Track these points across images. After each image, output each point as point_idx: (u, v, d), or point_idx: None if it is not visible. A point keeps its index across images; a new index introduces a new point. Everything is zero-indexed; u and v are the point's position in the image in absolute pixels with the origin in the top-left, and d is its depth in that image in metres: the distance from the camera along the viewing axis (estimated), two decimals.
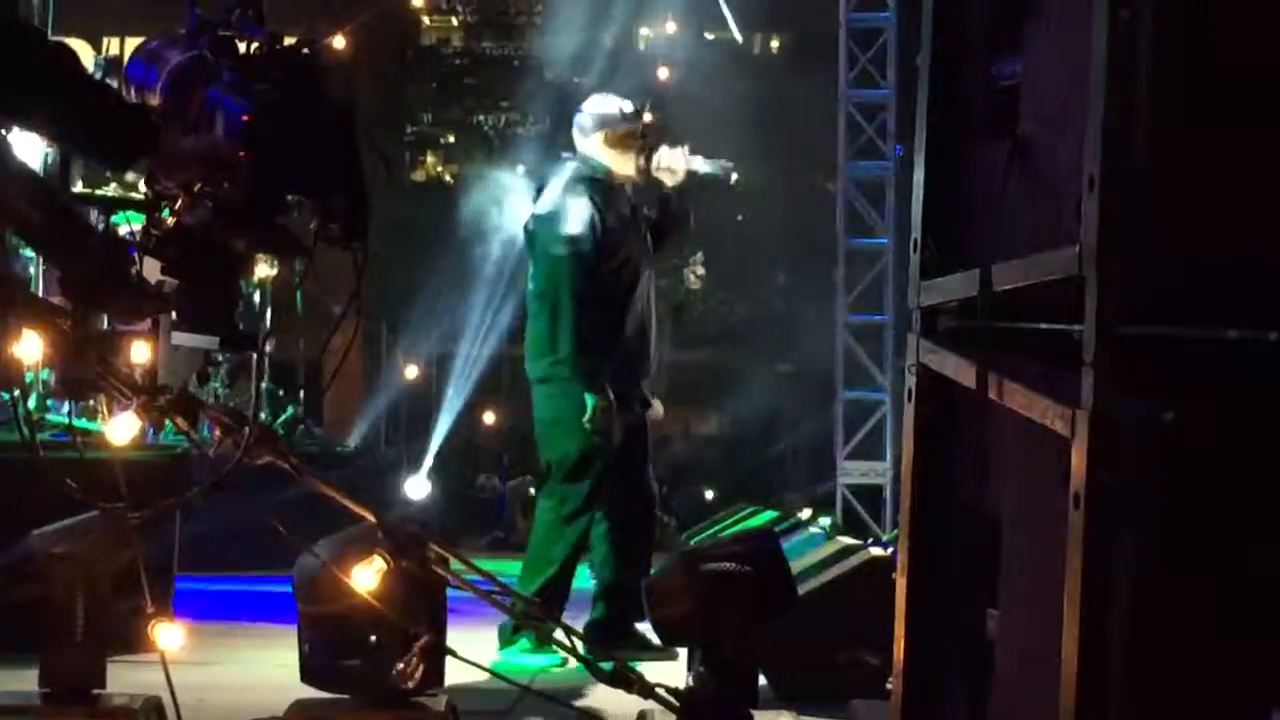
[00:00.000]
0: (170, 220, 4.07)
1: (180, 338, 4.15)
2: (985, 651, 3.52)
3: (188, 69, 4.10)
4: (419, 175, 18.19)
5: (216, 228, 4.02)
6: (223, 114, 4.04)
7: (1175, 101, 2.96)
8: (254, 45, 4.16)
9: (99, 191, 7.84)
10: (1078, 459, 2.95)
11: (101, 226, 4.41)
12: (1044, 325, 3.38)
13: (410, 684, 4.97)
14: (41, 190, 4.09)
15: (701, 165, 8.08)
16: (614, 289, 7.80)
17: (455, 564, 5.04)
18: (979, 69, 3.64)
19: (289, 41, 4.18)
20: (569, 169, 8.01)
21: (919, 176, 3.87)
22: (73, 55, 4.02)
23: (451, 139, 18.00)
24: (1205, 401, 2.98)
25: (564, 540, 7.82)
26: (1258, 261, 3.01)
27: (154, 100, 4.13)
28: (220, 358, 11.17)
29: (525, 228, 8.06)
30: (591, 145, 8.03)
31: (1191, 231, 3.00)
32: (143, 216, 4.21)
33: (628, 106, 8.12)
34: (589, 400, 7.59)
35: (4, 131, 4.52)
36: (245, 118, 3.99)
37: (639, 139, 8.03)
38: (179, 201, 4.03)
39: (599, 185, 7.87)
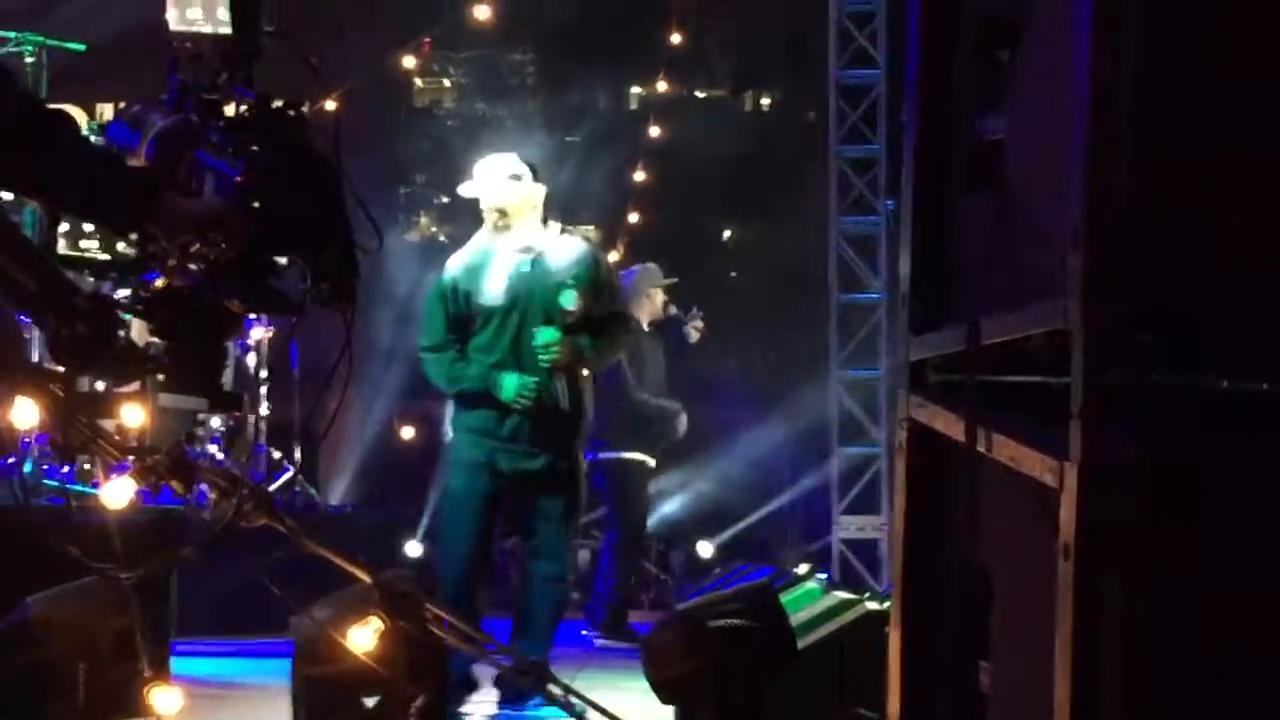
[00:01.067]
0: (160, 282, 4.09)
1: (167, 399, 4.16)
2: (979, 704, 3.53)
3: (173, 132, 4.13)
4: (413, 236, 18.26)
5: (207, 289, 4.05)
6: (213, 175, 4.06)
7: (1156, 155, 2.99)
8: (243, 107, 4.19)
9: (87, 254, 7.87)
10: (1067, 510, 2.96)
11: (90, 289, 4.43)
12: (1033, 378, 3.40)
13: None
14: (32, 254, 4.10)
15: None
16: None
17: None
18: (963, 125, 3.66)
19: (277, 103, 4.21)
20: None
21: (906, 233, 3.90)
22: (71, 120, 4.05)
23: (445, 199, 18.07)
24: (1193, 450, 3.00)
25: None
26: (1242, 311, 3.03)
27: (139, 162, 4.15)
28: (218, 420, 11.21)
29: None
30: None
31: (1176, 282, 3.03)
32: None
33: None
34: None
35: None
36: (238, 179, 4.01)
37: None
38: (169, 263, 4.05)
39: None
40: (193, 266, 4.03)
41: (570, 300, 7.98)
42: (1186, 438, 3.01)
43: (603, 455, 11.63)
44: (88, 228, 5.74)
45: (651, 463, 12.07)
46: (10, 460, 4.29)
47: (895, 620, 3.85)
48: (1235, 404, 3.03)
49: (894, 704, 3.81)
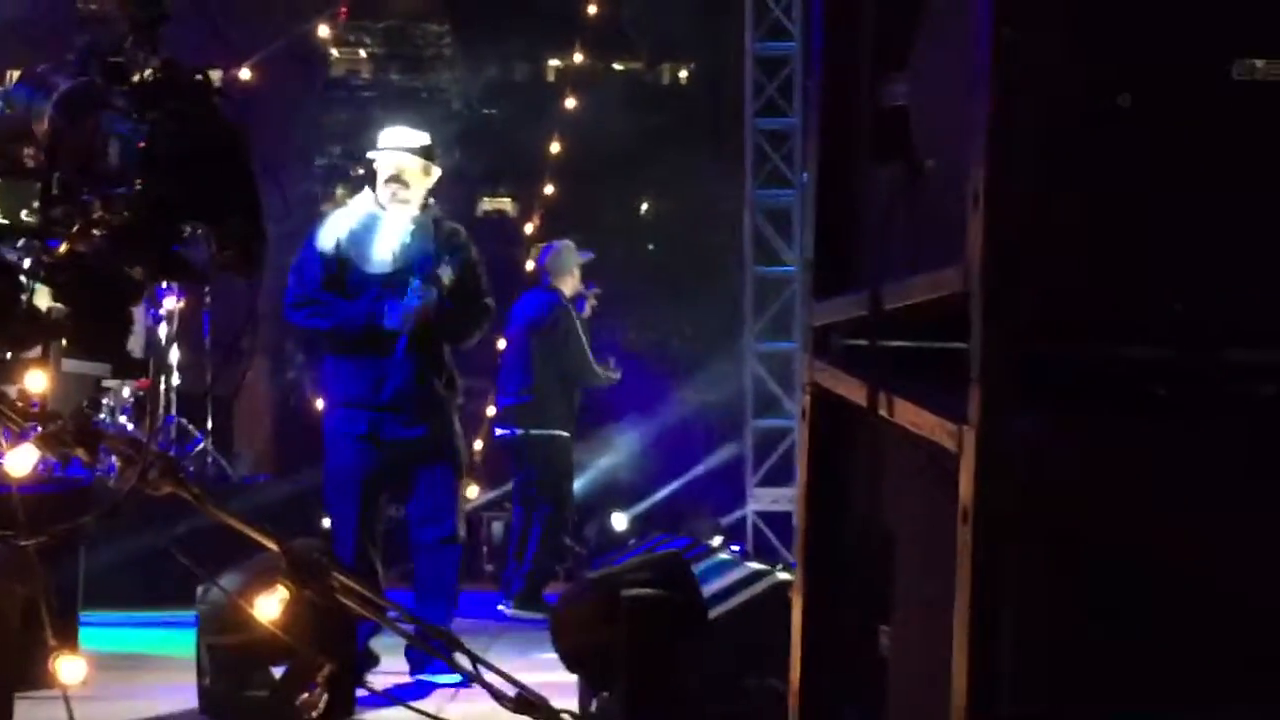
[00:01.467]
0: (63, 248, 4.05)
1: (71, 365, 4.12)
2: (879, 669, 3.54)
3: (78, 93, 4.08)
4: (329, 207, 18.17)
5: (110, 255, 4.01)
6: (117, 140, 4.02)
7: (1059, 118, 2.99)
8: (147, 72, 4.15)
9: None
10: (966, 475, 2.97)
11: None
12: (935, 344, 3.41)
13: (315, 714, 4.95)
14: None
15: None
16: None
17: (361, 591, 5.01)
18: (868, 91, 3.66)
19: (183, 70, 4.17)
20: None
21: (812, 199, 3.90)
22: None
23: (360, 170, 17.99)
24: (1092, 416, 3.01)
25: None
26: (1145, 278, 3.05)
27: (42, 125, 4.11)
28: (128, 390, 11.15)
29: None
30: None
31: (1078, 248, 3.04)
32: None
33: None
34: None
35: None
36: (141, 144, 3.98)
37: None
38: (72, 229, 4.01)
39: None
40: (96, 232, 4.00)
41: (448, 276, 8.05)
42: (1084, 403, 3.02)
43: (534, 432, 11.81)
44: None
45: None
46: None
47: (797, 586, 3.86)
48: (1136, 369, 3.05)
49: (795, 670, 3.82)
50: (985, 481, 2.93)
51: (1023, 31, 2.97)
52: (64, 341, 4.10)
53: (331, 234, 8.09)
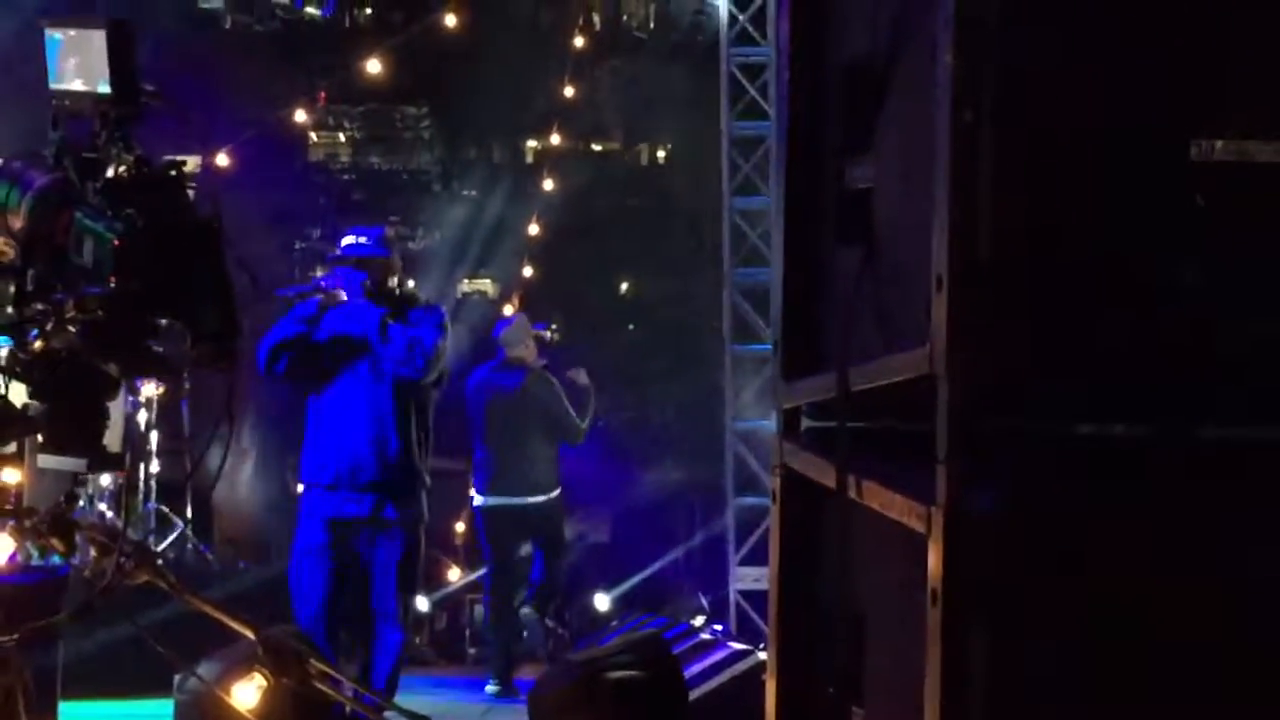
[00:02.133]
0: (38, 344, 4.05)
1: (47, 460, 4.11)
2: None
3: (52, 190, 4.08)
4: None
5: (85, 351, 4.01)
6: (90, 238, 4.02)
7: (1017, 200, 3.02)
8: (122, 168, 4.15)
9: None
10: (934, 556, 2.97)
11: None
12: (904, 425, 3.42)
13: None
14: None
15: None
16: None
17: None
18: (833, 174, 3.68)
19: (156, 165, 4.17)
20: None
21: (777, 282, 3.92)
22: None
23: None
24: (1058, 497, 3.02)
25: None
26: (1107, 354, 3.06)
27: (17, 222, 4.11)
28: (107, 479, 11.13)
29: None
30: None
31: (1040, 327, 3.05)
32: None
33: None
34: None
35: None
36: (115, 242, 3.97)
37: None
38: (47, 325, 4.01)
39: None
40: (71, 329, 4.00)
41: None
42: (1052, 484, 3.04)
43: (542, 498, 12.22)
44: None
45: None
46: None
47: (771, 668, 3.85)
48: (1100, 449, 3.06)
49: None
50: (954, 563, 2.94)
51: (981, 114, 2.99)
52: (39, 437, 4.09)
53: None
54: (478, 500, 12.39)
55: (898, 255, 3.33)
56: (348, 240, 8.68)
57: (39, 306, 4.04)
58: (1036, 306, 3.04)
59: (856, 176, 3.56)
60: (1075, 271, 3.03)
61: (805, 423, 3.84)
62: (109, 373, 4.13)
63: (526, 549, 12.47)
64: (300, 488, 8.76)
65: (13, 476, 4.20)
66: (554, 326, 12.80)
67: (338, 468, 8.22)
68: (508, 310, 14.53)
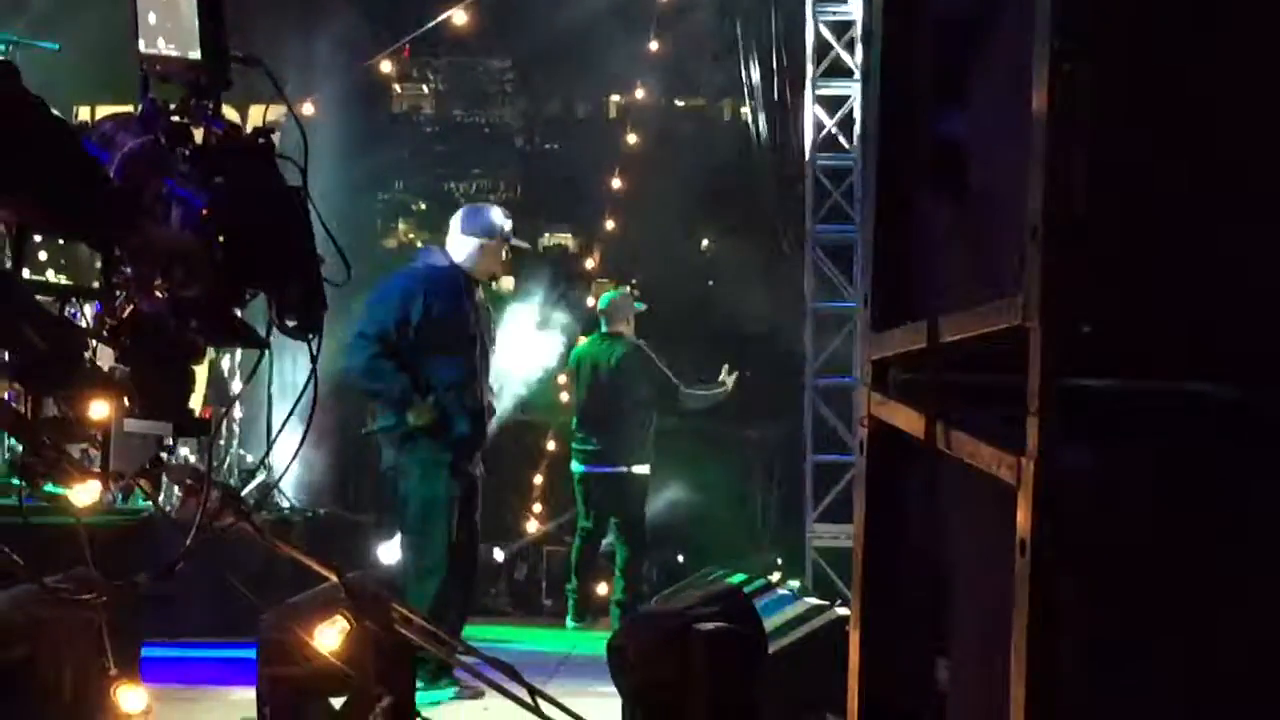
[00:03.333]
0: (125, 310, 4.06)
1: (133, 425, 4.13)
2: (937, 703, 3.54)
3: (142, 155, 4.07)
4: (391, 242, 18.24)
5: (171, 317, 4.02)
6: (179, 206, 4.00)
7: (1115, 152, 3.00)
8: (212, 137, 4.13)
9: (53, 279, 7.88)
10: (1024, 507, 2.97)
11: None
12: (992, 376, 3.41)
13: None
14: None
15: None
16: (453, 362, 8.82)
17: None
18: (926, 126, 3.67)
19: (246, 133, 4.15)
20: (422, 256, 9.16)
21: (867, 232, 3.91)
22: (69, 128, 4.02)
23: (423, 205, 18.06)
24: (1147, 450, 3.01)
25: (422, 591, 8.44)
26: (1197, 313, 3.04)
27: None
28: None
29: None
30: (465, 244, 9.03)
31: (1135, 282, 3.03)
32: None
33: (508, 227, 9.19)
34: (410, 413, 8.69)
35: None
36: (204, 211, 3.96)
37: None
38: (135, 290, 4.03)
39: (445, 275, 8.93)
40: (158, 294, 4.01)
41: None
42: (1142, 435, 3.02)
43: (636, 469, 12.69)
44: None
45: None
46: None
47: (855, 619, 3.86)
48: (1190, 406, 3.05)
49: (853, 703, 3.82)
50: (1043, 513, 2.93)
51: (1079, 66, 2.97)
52: (126, 401, 4.11)
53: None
54: (576, 467, 12.85)
55: (991, 205, 3.32)
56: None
57: (126, 271, 4.05)
58: (1133, 261, 3.02)
59: (949, 126, 3.54)
60: (1175, 224, 3.01)
61: (893, 374, 3.84)
62: (195, 340, 4.14)
63: (619, 517, 12.82)
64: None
65: (100, 410, 4.18)
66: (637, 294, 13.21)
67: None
68: (588, 264, 14.59)
